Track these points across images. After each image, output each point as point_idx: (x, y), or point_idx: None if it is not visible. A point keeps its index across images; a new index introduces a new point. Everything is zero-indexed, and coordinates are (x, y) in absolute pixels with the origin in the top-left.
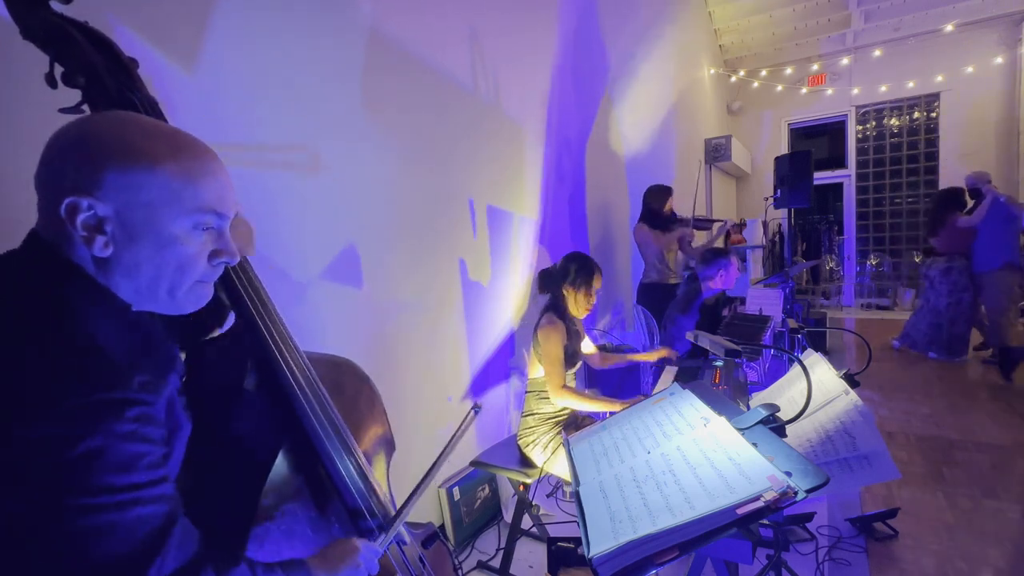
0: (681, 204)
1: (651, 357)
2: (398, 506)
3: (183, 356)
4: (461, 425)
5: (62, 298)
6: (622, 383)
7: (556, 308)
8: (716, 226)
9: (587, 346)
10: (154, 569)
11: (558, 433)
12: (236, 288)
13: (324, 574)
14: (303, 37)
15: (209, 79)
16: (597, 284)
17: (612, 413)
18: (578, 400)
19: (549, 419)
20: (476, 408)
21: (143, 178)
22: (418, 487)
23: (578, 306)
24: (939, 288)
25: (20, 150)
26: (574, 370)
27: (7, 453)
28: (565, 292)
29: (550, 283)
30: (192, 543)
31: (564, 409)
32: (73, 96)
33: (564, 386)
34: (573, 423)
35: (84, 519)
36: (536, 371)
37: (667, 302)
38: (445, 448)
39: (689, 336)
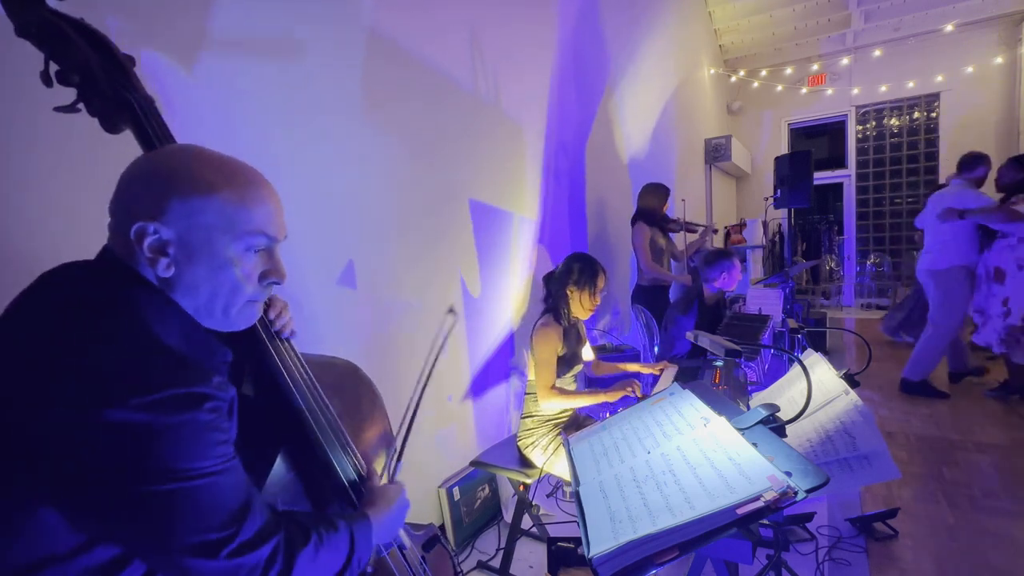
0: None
1: (649, 370)
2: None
3: None
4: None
5: (139, 303)
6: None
7: (555, 310)
8: (699, 231)
9: (586, 352)
10: (247, 526)
11: (557, 435)
12: None
13: (383, 514)
14: (303, 36)
15: (209, 79)
16: (601, 284)
17: (610, 411)
18: (564, 400)
19: (548, 421)
20: (451, 311)
21: (202, 204)
22: (407, 420)
23: (582, 307)
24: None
25: (15, 148)
26: (573, 372)
27: (101, 437)
28: (568, 293)
29: (554, 285)
30: (268, 512)
31: (564, 412)
32: (68, 94)
33: (552, 387)
34: (574, 424)
35: (171, 498)
36: (534, 373)
37: (663, 302)
38: (430, 368)
39: (689, 336)
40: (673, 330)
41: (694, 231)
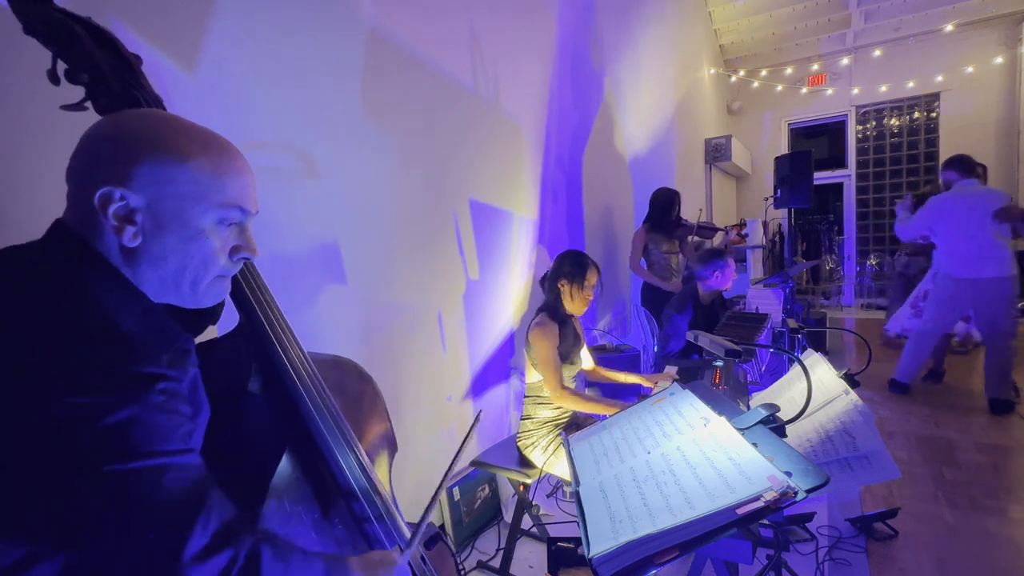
0: (688, 211)
1: (648, 383)
2: (399, 507)
3: None
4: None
5: (88, 283)
6: (620, 386)
7: (550, 308)
8: (719, 235)
9: (585, 360)
10: (199, 525)
11: (557, 435)
12: (243, 289)
13: (360, 575)
14: (303, 37)
15: (209, 79)
16: (592, 279)
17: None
18: (578, 401)
19: (547, 422)
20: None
21: (174, 172)
22: (433, 498)
23: (574, 303)
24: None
25: (23, 146)
26: (572, 373)
27: (47, 426)
28: (560, 288)
29: (547, 283)
30: (231, 511)
31: (563, 414)
32: (76, 93)
33: (563, 386)
34: (573, 424)
35: (124, 481)
36: (532, 376)
37: (667, 301)
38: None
39: (689, 336)
40: (668, 328)
41: (709, 236)
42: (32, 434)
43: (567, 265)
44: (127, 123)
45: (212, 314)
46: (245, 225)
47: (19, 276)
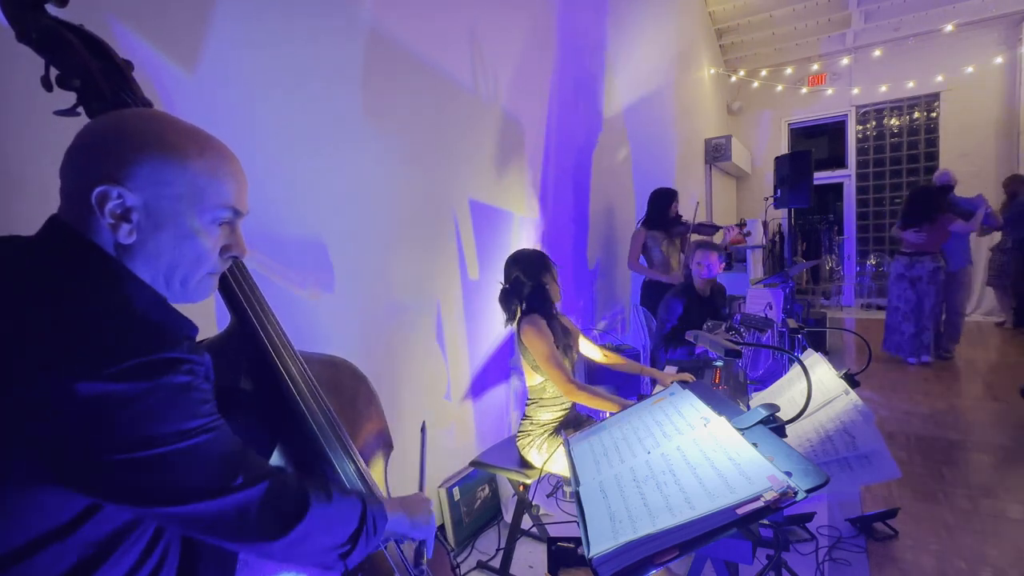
0: (685, 206)
1: (666, 379)
2: None
3: None
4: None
5: (106, 270)
6: (624, 382)
7: (535, 307)
8: (719, 234)
9: (589, 349)
10: (246, 466)
11: (556, 436)
12: (232, 287)
13: (401, 514)
14: (303, 37)
15: (209, 79)
16: (552, 270)
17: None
18: (590, 397)
19: (547, 424)
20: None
21: (173, 173)
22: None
23: (553, 291)
24: (927, 289)
25: (16, 151)
26: (569, 366)
27: (80, 412)
28: (545, 282)
29: (512, 298)
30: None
31: (562, 415)
32: (69, 98)
33: (572, 380)
34: (573, 424)
35: (164, 461)
36: (533, 379)
37: None
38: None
39: (689, 336)
40: (662, 311)
41: (708, 234)
42: (67, 422)
43: (535, 263)
44: (126, 122)
45: None
46: (236, 224)
47: (25, 272)
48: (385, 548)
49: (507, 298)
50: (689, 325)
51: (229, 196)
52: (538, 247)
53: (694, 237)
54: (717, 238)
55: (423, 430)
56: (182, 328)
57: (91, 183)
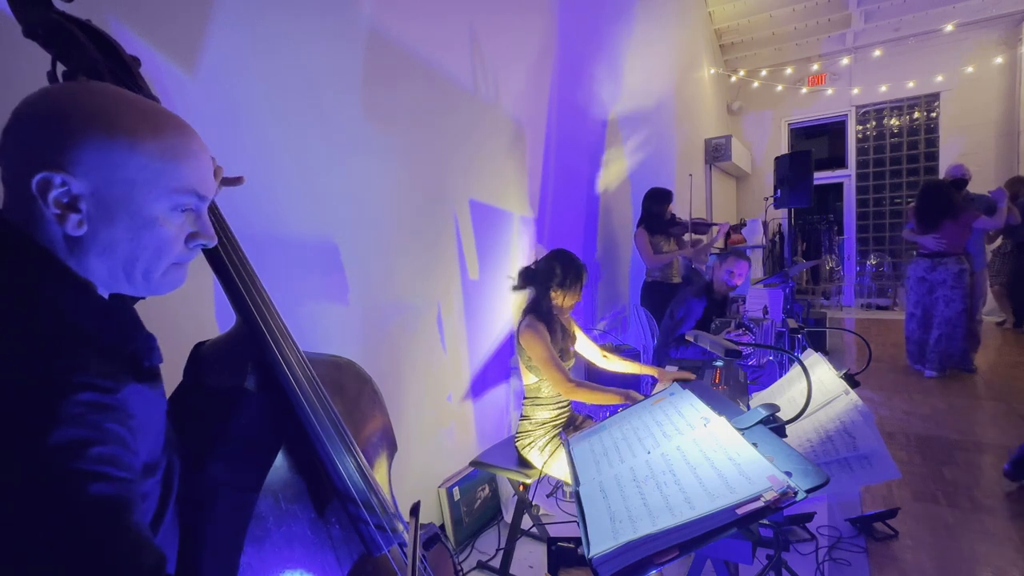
0: (678, 208)
1: (667, 378)
2: (399, 507)
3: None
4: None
5: (25, 282)
6: (624, 383)
7: (536, 309)
8: (714, 229)
9: (589, 351)
10: None
11: (555, 436)
12: (238, 288)
13: None
14: (304, 38)
15: (210, 80)
16: (584, 280)
17: (610, 411)
18: (590, 393)
19: (546, 423)
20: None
21: (121, 155)
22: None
23: (564, 302)
24: (951, 294)
25: None
26: (567, 368)
27: None
28: (552, 295)
29: (534, 282)
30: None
31: (561, 414)
32: None
33: (570, 380)
34: (572, 424)
35: (19, 502)
36: (529, 378)
37: (670, 301)
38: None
39: (689, 336)
40: (681, 310)
41: (703, 232)
42: None
43: (561, 273)
44: (65, 98)
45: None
46: (203, 211)
47: None
48: (388, 552)
49: (531, 276)
50: (707, 326)
51: (189, 180)
52: (538, 247)
53: (692, 236)
54: (708, 237)
55: (414, 512)
56: (133, 342)
57: (31, 169)
